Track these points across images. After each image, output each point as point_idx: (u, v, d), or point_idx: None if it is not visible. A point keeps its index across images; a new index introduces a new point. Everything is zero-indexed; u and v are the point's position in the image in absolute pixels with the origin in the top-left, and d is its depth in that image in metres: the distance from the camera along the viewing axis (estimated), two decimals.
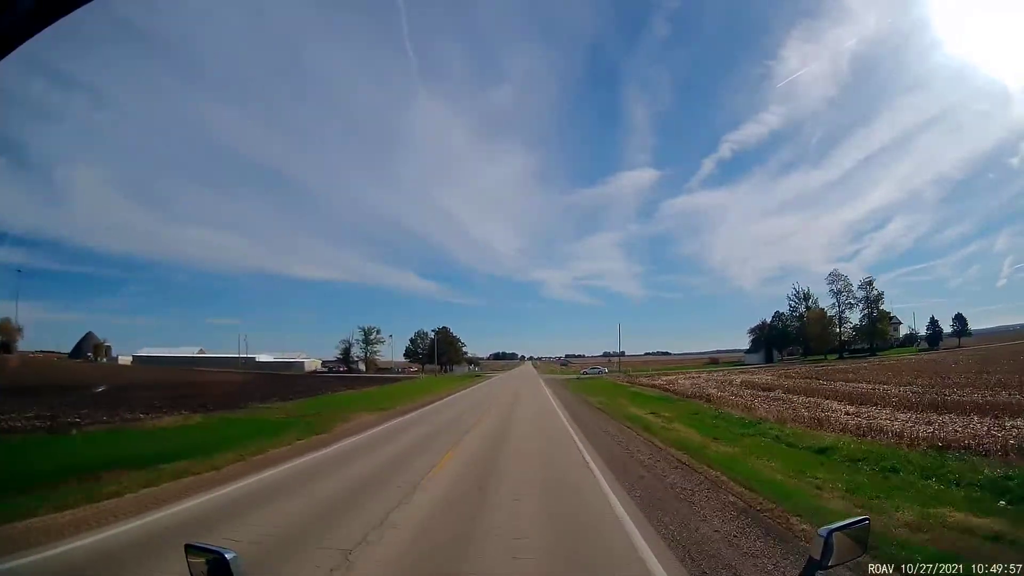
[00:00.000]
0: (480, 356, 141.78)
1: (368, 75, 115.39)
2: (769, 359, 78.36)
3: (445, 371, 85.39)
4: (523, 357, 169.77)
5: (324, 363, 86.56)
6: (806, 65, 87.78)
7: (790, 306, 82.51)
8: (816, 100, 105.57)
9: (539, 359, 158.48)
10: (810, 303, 79.88)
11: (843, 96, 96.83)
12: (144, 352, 78.98)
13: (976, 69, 72.75)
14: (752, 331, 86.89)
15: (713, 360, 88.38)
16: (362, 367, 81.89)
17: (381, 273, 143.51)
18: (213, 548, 1.93)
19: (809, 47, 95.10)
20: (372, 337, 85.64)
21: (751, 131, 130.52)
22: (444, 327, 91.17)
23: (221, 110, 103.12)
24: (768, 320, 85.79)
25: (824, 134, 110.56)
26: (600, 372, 68.41)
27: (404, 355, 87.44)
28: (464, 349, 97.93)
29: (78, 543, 6.36)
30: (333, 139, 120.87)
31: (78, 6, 1.66)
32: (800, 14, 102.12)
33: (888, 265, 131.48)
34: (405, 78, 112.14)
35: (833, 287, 78.54)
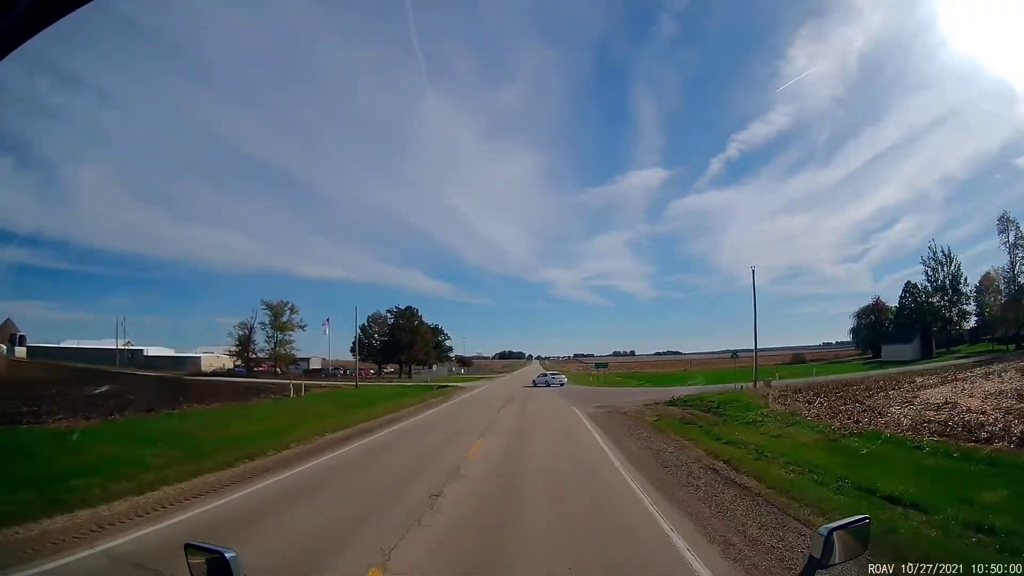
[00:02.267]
0: (484, 355, 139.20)
1: (375, 74, 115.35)
2: (928, 352, 52.36)
3: (408, 374, 65.58)
4: (530, 356, 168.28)
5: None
6: (814, 64, 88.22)
7: (927, 274, 57.23)
8: (823, 99, 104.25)
9: (547, 359, 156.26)
10: (953, 268, 54.77)
11: (850, 95, 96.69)
12: (61, 344, 65.45)
13: (983, 69, 70.19)
14: (861, 314, 66.89)
15: (798, 358, 72.19)
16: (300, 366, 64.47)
17: (388, 273, 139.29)
18: (213, 548, 1.93)
19: (817, 46, 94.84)
20: (284, 320, 62.03)
21: (759, 131, 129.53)
22: (409, 307, 68.29)
23: (228, 109, 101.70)
24: (880, 298, 66.37)
25: (831, 133, 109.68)
26: (555, 382, 47.81)
27: (352, 351, 63.40)
28: (446, 342, 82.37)
29: None
30: (340, 138, 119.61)
31: (79, 5, 1.69)
32: (807, 13, 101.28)
33: (896, 265, 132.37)
34: (413, 77, 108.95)
35: (1007, 238, 48.89)
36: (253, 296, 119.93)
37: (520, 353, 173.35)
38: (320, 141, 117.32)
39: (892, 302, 65.42)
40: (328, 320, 65.70)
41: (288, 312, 63.36)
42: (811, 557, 2.06)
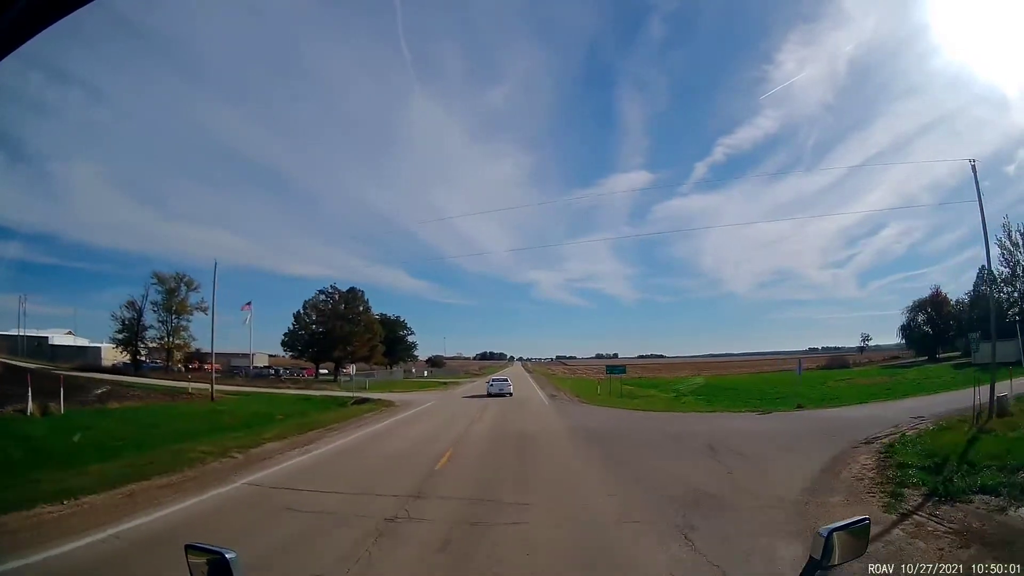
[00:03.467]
0: (465, 356, 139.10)
1: (364, 74, 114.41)
2: None
3: (340, 376, 47.29)
4: (512, 358, 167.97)
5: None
6: (803, 69, 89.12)
7: (1003, 257, 41.50)
8: (812, 105, 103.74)
9: (529, 360, 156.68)
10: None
11: (839, 101, 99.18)
12: None
13: (974, 75, 70.49)
14: (916, 308, 54.92)
15: (838, 360, 59.95)
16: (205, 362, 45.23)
17: (373, 271, 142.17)
18: (213, 548, 1.92)
19: (806, 51, 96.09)
20: (177, 300, 46.37)
21: (746, 135, 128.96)
22: (353, 289, 53.30)
23: (217, 107, 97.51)
24: (941, 289, 54.20)
25: (819, 139, 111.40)
26: (506, 390, 33.56)
27: (284, 345, 52.18)
28: (409, 338, 69.79)
29: None
30: (327, 137, 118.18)
31: (79, 6, 1.68)
32: (798, 18, 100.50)
33: (881, 272, 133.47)
34: (400, 77, 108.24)
35: None
36: (240, 294, 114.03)
37: (502, 354, 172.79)
38: (307, 140, 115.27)
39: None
40: (249, 304, 50.34)
41: (184, 289, 47.04)
42: (811, 558, 2.01)
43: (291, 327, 51.33)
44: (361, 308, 52.60)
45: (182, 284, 47.37)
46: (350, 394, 30.45)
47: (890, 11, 75.96)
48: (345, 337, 49.01)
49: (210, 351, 36.85)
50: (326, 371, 54.95)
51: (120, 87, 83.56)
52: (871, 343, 79.94)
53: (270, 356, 63.56)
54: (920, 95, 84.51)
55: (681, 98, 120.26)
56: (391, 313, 75.69)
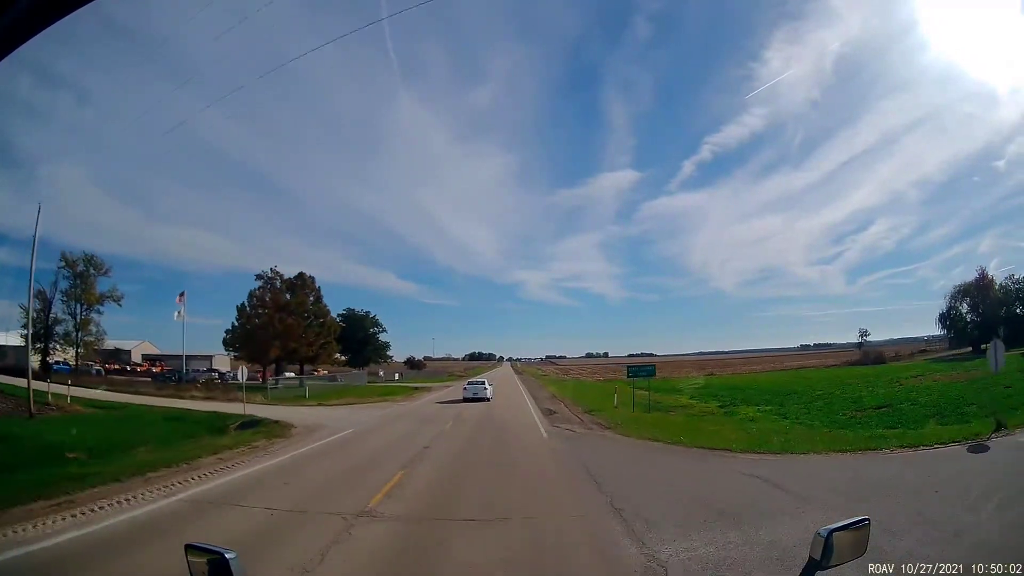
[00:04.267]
0: (454, 357, 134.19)
1: (349, 75, 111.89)
2: None
3: (270, 382, 38.26)
4: (501, 358, 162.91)
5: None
6: (789, 67, 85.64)
7: None
8: (799, 102, 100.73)
9: (519, 360, 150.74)
10: None
11: (826, 98, 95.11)
12: None
13: (963, 71, 69.36)
14: (959, 294, 46.97)
15: (872, 356, 51.88)
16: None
17: (360, 273, 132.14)
18: (213, 548, 1.94)
19: (792, 49, 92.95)
20: (84, 287, 37.66)
21: (732, 133, 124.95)
22: (301, 275, 43.39)
23: (204, 109, 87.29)
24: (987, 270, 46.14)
25: (806, 136, 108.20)
26: (483, 393, 30.05)
27: (225, 344, 43.10)
28: (380, 335, 62.62)
29: None
30: (313, 138, 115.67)
31: (77, 7, 1.71)
32: (784, 16, 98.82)
33: (870, 267, 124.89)
34: (386, 78, 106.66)
35: None
36: (229, 297, 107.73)
37: (491, 355, 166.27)
38: (293, 141, 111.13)
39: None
40: (183, 295, 41.09)
41: (92, 272, 37.64)
42: (810, 558, 2.01)
43: (234, 322, 42.01)
44: (312, 298, 43.26)
45: (91, 268, 38.14)
46: (252, 410, 21.18)
47: (876, 8, 72.84)
48: (284, 332, 39.60)
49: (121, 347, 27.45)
50: (291, 374, 46.10)
51: (106, 89, 79.04)
52: (869, 338, 75.25)
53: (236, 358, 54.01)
54: (908, 91, 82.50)
55: (667, 97, 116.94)
56: (360, 308, 67.82)
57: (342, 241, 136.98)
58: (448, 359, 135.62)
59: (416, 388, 43.47)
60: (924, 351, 52.22)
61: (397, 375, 58.25)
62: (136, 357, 53.89)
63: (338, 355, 48.29)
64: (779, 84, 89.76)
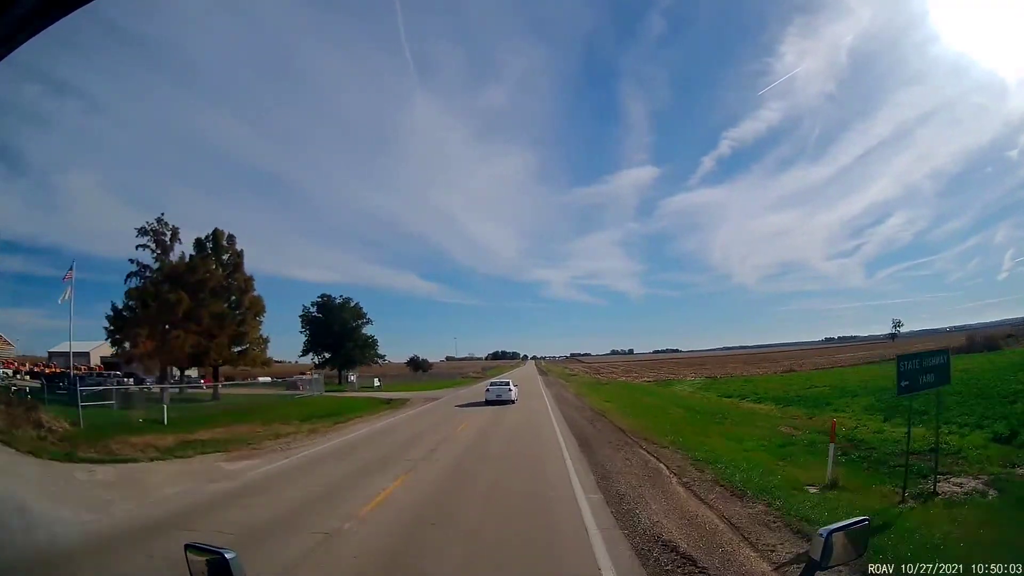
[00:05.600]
0: (477, 356, 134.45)
1: (365, 77, 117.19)
2: None
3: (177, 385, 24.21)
4: (525, 357, 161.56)
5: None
6: (804, 61, 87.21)
7: None
8: (814, 95, 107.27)
9: (543, 358, 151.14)
10: None
11: (841, 91, 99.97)
12: None
13: (973, 62, 69.90)
14: None
15: (981, 343, 37.29)
16: None
17: (382, 274, 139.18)
18: (213, 548, 1.88)
19: (807, 43, 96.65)
20: None
21: (750, 128, 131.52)
22: (216, 232, 29.58)
23: (216, 114, 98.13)
24: None
25: (823, 130, 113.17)
26: (506, 395, 25.14)
27: (107, 333, 28.11)
28: (365, 329, 50.95)
29: None
30: (331, 141, 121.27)
31: (77, 7, 1.66)
32: (797, 9, 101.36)
33: (888, 260, 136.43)
34: (402, 79, 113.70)
35: None
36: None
37: (515, 353, 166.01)
38: (311, 144, 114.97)
39: None
40: (72, 271, 27.39)
41: None
42: (810, 559, 1.97)
43: (114, 302, 27.86)
44: (224, 268, 28.55)
45: None
46: None
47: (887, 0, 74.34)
48: (181, 317, 24.85)
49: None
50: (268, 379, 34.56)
51: (121, 95, 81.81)
52: (902, 329, 77.30)
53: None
54: (920, 83, 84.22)
55: (684, 92, 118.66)
56: (337, 295, 53.65)
57: (363, 243, 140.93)
58: (470, 358, 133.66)
59: (389, 401, 28.63)
60: (1011, 335, 41.27)
61: (377, 380, 43.35)
62: (95, 359, 41.99)
63: (268, 355, 32.32)
64: (794, 78, 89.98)
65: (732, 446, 12.03)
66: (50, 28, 1.65)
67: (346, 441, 15.12)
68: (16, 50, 1.62)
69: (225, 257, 28.68)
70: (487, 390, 26.97)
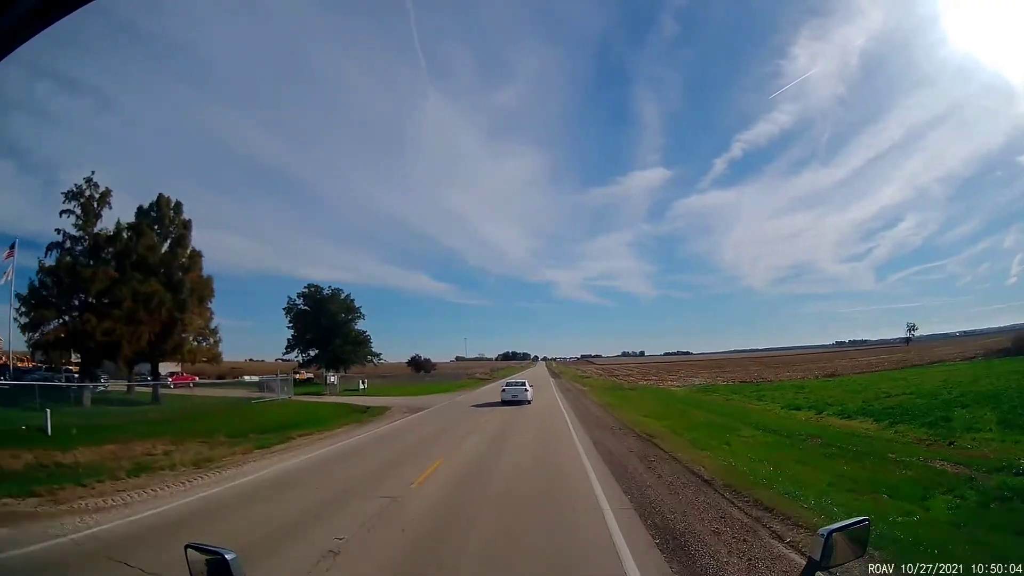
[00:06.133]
0: (487, 356, 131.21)
1: (378, 78, 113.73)
2: None
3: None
4: (536, 357, 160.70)
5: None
6: (815, 64, 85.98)
7: None
8: (826, 98, 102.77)
9: (555, 359, 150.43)
10: None
11: (852, 94, 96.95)
12: None
13: (983, 65, 68.87)
14: None
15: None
16: None
17: (393, 274, 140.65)
18: (213, 548, 1.84)
19: (818, 45, 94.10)
20: None
21: (762, 130, 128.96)
22: (160, 198, 24.17)
23: (229, 114, 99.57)
24: None
25: (834, 132, 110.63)
26: (522, 396, 25.67)
27: (21, 328, 22.25)
28: (357, 324, 46.66)
29: None
30: (343, 141, 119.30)
31: (79, 6, 1.62)
32: (808, 12, 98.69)
33: (899, 264, 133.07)
34: (415, 80, 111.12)
35: None
36: (258, 300, 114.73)
37: (525, 354, 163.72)
38: (323, 144, 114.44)
39: None
40: (13, 247, 22.68)
41: None
42: (810, 559, 1.90)
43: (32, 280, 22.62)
44: (168, 241, 23.17)
45: None
46: None
47: (898, 1, 74.55)
48: (95, 297, 19.55)
49: None
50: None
51: (131, 93, 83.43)
52: (917, 333, 74.00)
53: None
54: (930, 86, 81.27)
55: (696, 94, 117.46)
56: (326, 286, 48.40)
57: (374, 243, 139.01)
58: (481, 359, 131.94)
59: (366, 409, 22.95)
60: None
61: (362, 382, 37.67)
62: None
63: (218, 351, 26.38)
64: (807, 81, 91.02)
65: (916, 511, 6.11)
66: (58, 24, 1.58)
67: (217, 498, 8.51)
68: (15, 51, 1.58)
69: (170, 228, 23.26)
70: (503, 390, 28.00)
